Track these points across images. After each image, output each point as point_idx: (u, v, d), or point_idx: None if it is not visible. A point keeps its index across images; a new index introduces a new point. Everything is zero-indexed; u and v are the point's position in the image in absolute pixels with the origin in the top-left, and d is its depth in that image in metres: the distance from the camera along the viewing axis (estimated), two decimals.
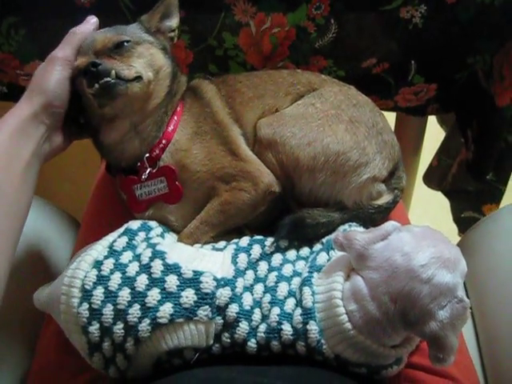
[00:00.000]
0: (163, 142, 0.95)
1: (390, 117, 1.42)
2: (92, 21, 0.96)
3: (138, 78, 0.90)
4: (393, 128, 1.53)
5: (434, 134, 1.73)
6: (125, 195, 1.00)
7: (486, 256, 1.15)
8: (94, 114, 0.94)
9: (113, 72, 0.87)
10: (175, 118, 0.97)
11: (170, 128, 0.96)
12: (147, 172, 0.95)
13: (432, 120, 1.63)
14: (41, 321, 1.04)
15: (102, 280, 0.82)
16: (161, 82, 0.96)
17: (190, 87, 1.05)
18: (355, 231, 0.82)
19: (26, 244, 1.08)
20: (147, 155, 0.95)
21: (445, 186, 1.58)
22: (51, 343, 0.97)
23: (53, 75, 0.89)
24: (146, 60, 0.93)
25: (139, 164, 0.96)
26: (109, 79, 0.87)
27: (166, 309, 0.78)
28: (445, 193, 1.60)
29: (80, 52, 0.92)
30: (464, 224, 1.53)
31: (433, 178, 1.71)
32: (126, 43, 0.92)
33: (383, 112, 1.07)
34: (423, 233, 0.79)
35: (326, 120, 0.95)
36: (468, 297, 1.13)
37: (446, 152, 1.62)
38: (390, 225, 0.80)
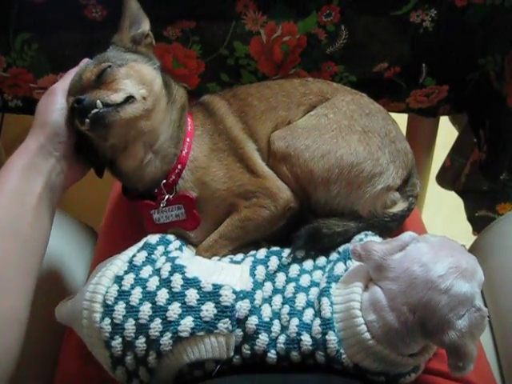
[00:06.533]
0: (178, 166, 0.95)
1: (402, 116, 1.41)
2: (85, 61, 0.96)
3: (131, 99, 0.88)
4: (405, 127, 1.53)
5: (447, 129, 1.72)
6: (142, 218, 0.99)
7: (502, 256, 1.15)
8: (104, 148, 0.93)
9: (98, 102, 0.85)
10: (187, 139, 0.97)
11: (184, 152, 0.96)
12: (165, 199, 0.95)
13: (444, 117, 1.62)
14: (62, 333, 1.05)
15: (123, 295, 0.83)
16: (158, 95, 0.94)
17: (201, 103, 1.05)
18: (373, 242, 0.82)
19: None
20: (164, 181, 0.95)
21: (458, 186, 1.58)
22: (73, 355, 0.98)
23: (54, 106, 0.90)
24: (134, 78, 0.91)
25: (156, 190, 0.95)
26: (96, 110, 0.85)
27: (187, 322, 0.80)
28: (458, 192, 1.60)
29: (70, 93, 0.91)
30: (478, 223, 1.52)
31: (446, 179, 1.70)
32: (107, 69, 0.90)
33: (395, 113, 1.06)
34: (440, 243, 0.79)
35: (339, 131, 0.95)
36: (483, 297, 1.13)
37: (459, 152, 1.61)
38: (407, 235, 0.80)
